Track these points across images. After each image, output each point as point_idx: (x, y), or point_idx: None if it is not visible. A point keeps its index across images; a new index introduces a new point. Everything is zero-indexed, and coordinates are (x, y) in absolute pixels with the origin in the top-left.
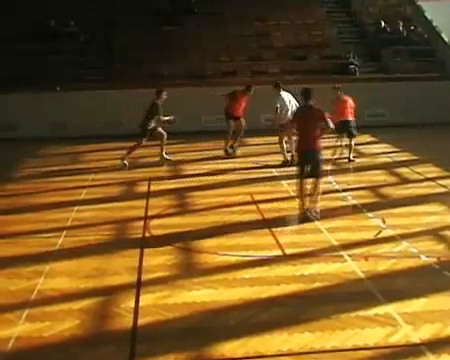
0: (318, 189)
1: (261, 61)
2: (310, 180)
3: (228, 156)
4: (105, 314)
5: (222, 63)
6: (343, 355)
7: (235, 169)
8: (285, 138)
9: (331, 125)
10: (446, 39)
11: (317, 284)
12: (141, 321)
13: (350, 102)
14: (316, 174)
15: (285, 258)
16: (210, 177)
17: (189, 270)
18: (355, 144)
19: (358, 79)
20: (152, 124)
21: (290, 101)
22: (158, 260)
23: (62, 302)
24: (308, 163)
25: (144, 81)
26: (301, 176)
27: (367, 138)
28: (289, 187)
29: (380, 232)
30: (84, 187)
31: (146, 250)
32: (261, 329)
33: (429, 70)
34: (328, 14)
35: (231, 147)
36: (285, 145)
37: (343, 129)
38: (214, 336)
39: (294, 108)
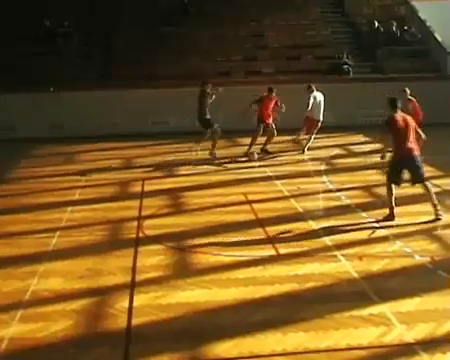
0: (430, 190)
1: (256, 61)
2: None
3: (249, 159)
4: (99, 314)
5: (217, 63)
6: (337, 355)
7: (229, 169)
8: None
9: (423, 135)
10: (440, 39)
11: (311, 284)
12: (135, 321)
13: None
14: (420, 179)
15: (279, 258)
16: (204, 177)
17: (183, 270)
18: (350, 143)
19: (352, 79)
20: (208, 114)
21: (320, 101)
22: (152, 260)
23: (56, 303)
24: (407, 168)
25: (141, 81)
26: (397, 183)
27: (361, 138)
28: (283, 187)
29: (374, 232)
30: (78, 187)
31: (140, 250)
32: (255, 329)
33: (423, 70)
34: (322, 14)
35: (263, 150)
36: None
37: None
38: (208, 336)
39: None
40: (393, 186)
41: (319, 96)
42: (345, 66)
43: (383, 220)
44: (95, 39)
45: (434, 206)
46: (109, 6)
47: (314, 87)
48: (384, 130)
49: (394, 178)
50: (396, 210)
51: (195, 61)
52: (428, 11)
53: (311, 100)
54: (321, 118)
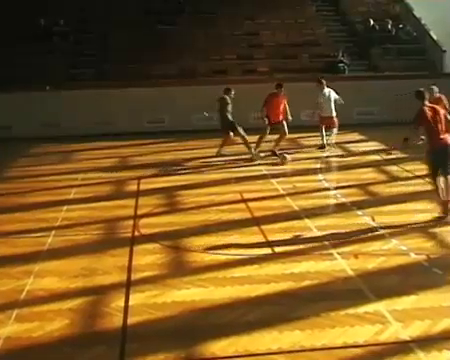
0: None
1: (251, 60)
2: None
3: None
4: (95, 314)
5: (213, 62)
6: (333, 353)
7: (225, 168)
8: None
9: None
10: (435, 37)
11: (307, 282)
12: (131, 320)
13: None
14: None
15: (275, 256)
16: (200, 176)
17: (179, 269)
18: (345, 142)
19: (347, 77)
20: (230, 117)
21: (330, 97)
22: (148, 259)
23: (52, 302)
24: (444, 158)
25: (137, 80)
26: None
27: (356, 136)
28: (279, 185)
29: (368, 229)
30: (74, 186)
31: (136, 249)
32: (251, 328)
33: (418, 68)
34: (317, 13)
35: (275, 152)
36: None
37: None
38: (204, 335)
39: (333, 103)
40: (439, 179)
41: (328, 92)
42: (340, 64)
43: (439, 219)
44: (91, 38)
45: None
46: (105, 4)
47: (325, 83)
48: (415, 123)
49: (436, 170)
50: (391, 208)
51: (191, 60)
52: (423, 9)
53: (321, 98)
54: (332, 114)
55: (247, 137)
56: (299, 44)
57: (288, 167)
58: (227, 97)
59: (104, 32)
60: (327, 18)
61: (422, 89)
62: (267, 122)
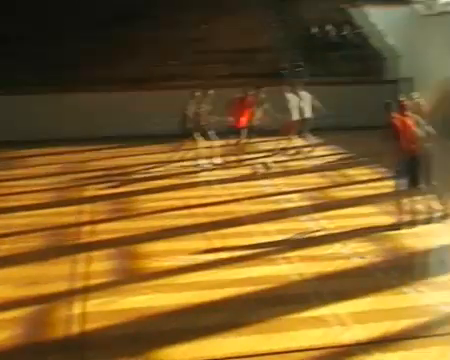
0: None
1: (204, 65)
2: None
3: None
4: (51, 322)
5: (163, 67)
6: (290, 356)
7: (178, 173)
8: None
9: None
10: (390, 43)
11: (261, 286)
12: (88, 327)
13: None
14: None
15: (227, 261)
16: (154, 181)
17: (134, 275)
18: (291, 147)
19: (296, 83)
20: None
21: (295, 101)
22: (103, 265)
23: (4, 310)
24: (413, 168)
25: (81, 85)
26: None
27: (301, 142)
28: (223, 191)
29: (315, 233)
30: (21, 193)
31: (91, 255)
32: (209, 333)
33: (364, 74)
34: (272, 18)
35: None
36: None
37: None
38: (161, 341)
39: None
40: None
41: (293, 96)
42: (289, 71)
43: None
44: (41, 41)
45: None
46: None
47: (290, 88)
48: (383, 134)
49: (405, 180)
50: (336, 212)
51: (144, 64)
52: (378, 15)
53: (288, 103)
54: (297, 118)
55: (206, 144)
56: (252, 49)
57: (233, 172)
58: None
59: (55, 35)
60: (279, 23)
61: (390, 101)
62: (234, 126)
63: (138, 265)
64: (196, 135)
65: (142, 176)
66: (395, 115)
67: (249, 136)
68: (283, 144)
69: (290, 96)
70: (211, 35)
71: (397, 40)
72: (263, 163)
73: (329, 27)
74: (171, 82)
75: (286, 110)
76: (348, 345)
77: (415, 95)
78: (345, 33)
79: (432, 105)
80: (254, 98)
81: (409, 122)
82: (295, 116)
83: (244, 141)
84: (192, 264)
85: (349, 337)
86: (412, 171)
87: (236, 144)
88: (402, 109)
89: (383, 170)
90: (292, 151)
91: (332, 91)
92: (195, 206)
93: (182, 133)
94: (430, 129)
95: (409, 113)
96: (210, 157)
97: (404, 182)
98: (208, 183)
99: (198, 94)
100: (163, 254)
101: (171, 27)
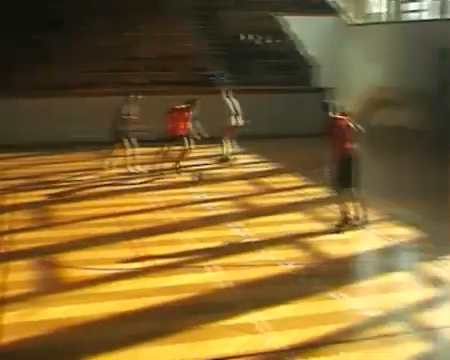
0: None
1: (127, 72)
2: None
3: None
4: None
5: (87, 74)
6: None
7: (100, 182)
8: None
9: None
10: (308, 53)
11: (184, 295)
12: (5, 340)
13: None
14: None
15: (150, 270)
16: (77, 189)
17: (52, 286)
18: (220, 154)
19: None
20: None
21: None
22: (21, 276)
23: None
24: (347, 169)
25: (10, 91)
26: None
27: (231, 149)
28: (152, 199)
29: (241, 241)
30: None
31: (8, 266)
32: (131, 343)
33: (292, 83)
34: (195, 26)
35: (176, 167)
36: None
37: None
38: (83, 352)
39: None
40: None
41: (231, 102)
42: (215, 78)
43: (337, 227)
44: None
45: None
46: None
47: (227, 92)
48: (323, 133)
49: (340, 181)
50: (262, 219)
51: (66, 71)
52: (300, 25)
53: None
54: (233, 123)
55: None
56: (177, 57)
57: (161, 180)
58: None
59: None
60: (206, 31)
61: (327, 101)
62: (170, 134)
63: (59, 275)
64: (125, 142)
65: (65, 184)
66: (332, 116)
67: (183, 144)
68: (214, 151)
69: (228, 102)
70: (136, 42)
71: (324, 49)
72: (197, 171)
73: (257, 35)
74: (94, 89)
75: (224, 116)
76: (272, 352)
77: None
78: (273, 41)
79: (358, 112)
80: (191, 107)
81: (344, 124)
82: (233, 122)
83: (178, 148)
84: (116, 273)
85: (273, 344)
86: (345, 174)
87: (163, 152)
88: (337, 111)
89: (309, 177)
90: (220, 158)
91: (259, 99)
92: (121, 214)
93: (112, 139)
94: (361, 129)
95: (344, 115)
96: (137, 164)
97: (337, 185)
98: (135, 191)
99: (131, 99)
100: (86, 263)
101: (95, 33)
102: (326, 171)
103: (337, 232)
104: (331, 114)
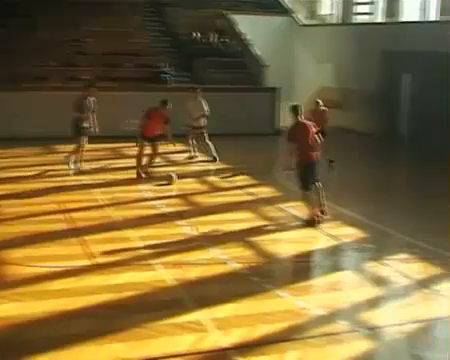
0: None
1: (74, 67)
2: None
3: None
4: None
5: (34, 68)
6: None
7: (44, 177)
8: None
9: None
10: (258, 52)
11: (128, 293)
12: None
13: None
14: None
15: (95, 268)
16: (17, 185)
17: None
18: (168, 152)
19: (171, 89)
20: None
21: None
22: None
23: None
24: (312, 172)
25: None
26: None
27: (180, 147)
28: (99, 195)
29: (189, 239)
30: None
31: None
32: (71, 341)
33: (242, 82)
34: (143, 23)
35: (145, 172)
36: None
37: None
38: (22, 351)
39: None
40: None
41: (200, 101)
42: (164, 75)
43: (307, 223)
44: None
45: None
46: None
47: (198, 91)
48: (289, 137)
49: (306, 182)
50: (212, 218)
51: (11, 64)
52: (247, 24)
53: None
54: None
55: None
56: (123, 53)
57: (109, 177)
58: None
59: None
60: (153, 28)
61: (297, 104)
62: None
63: (2, 272)
64: (79, 137)
65: (9, 179)
66: (300, 120)
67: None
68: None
69: (204, 102)
70: (84, 37)
71: (275, 49)
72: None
73: (209, 33)
74: (41, 83)
75: (193, 115)
76: (220, 350)
77: (321, 102)
78: (223, 40)
79: (309, 113)
80: (163, 109)
81: (311, 127)
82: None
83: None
84: (61, 270)
85: (220, 342)
86: (308, 176)
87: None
88: (303, 113)
89: (258, 176)
90: (188, 156)
91: (207, 98)
92: (68, 210)
93: (71, 135)
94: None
95: (310, 118)
96: (84, 161)
97: (302, 186)
98: (84, 187)
99: (87, 94)
100: (31, 260)
101: (45, 27)
102: (286, 172)
103: (309, 226)
104: (299, 118)
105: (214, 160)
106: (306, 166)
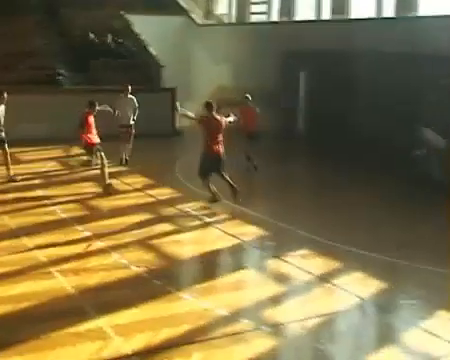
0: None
1: None
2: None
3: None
4: None
5: None
6: None
7: None
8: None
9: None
10: (155, 53)
11: (25, 304)
12: None
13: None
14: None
15: None
16: None
17: None
18: (64, 156)
19: (66, 90)
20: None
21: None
22: None
23: None
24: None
25: None
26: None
27: (76, 150)
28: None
29: (90, 245)
30: None
31: None
32: None
33: (138, 82)
34: (36, 23)
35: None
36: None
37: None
38: None
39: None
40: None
41: (130, 100)
42: (59, 77)
43: (209, 203)
44: None
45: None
46: None
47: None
48: (200, 121)
49: (207, 172)
50: (111, 222)
51: None
52: (143, 24)
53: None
54: (129, 123)
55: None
56: (17, 54)
57: (4, 184)
58: None
59: None
60: (46, 29)
61: (211, 100)
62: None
63: None
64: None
65: None
66: (213, 115)
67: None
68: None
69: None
70: None
71: (173, 49)
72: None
73: (105, 34)
74: None
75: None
76: (125, 356)
77: (249, 97)
78: (120, 41)
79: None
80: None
81: (220, 124)
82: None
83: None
84: None
85: (125, 348)
86: (210, 166)
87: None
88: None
89: (157, 178)
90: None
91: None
92: None
93: None
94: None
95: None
96: None
97: (202, 173)
98: None
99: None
100: None
101: None
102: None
103: (212, 202)
104: (213, 113)
105: (126, 163)
106: (209, 157)
